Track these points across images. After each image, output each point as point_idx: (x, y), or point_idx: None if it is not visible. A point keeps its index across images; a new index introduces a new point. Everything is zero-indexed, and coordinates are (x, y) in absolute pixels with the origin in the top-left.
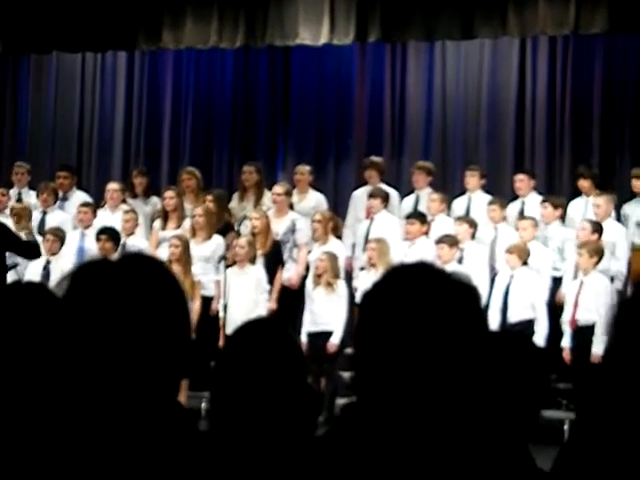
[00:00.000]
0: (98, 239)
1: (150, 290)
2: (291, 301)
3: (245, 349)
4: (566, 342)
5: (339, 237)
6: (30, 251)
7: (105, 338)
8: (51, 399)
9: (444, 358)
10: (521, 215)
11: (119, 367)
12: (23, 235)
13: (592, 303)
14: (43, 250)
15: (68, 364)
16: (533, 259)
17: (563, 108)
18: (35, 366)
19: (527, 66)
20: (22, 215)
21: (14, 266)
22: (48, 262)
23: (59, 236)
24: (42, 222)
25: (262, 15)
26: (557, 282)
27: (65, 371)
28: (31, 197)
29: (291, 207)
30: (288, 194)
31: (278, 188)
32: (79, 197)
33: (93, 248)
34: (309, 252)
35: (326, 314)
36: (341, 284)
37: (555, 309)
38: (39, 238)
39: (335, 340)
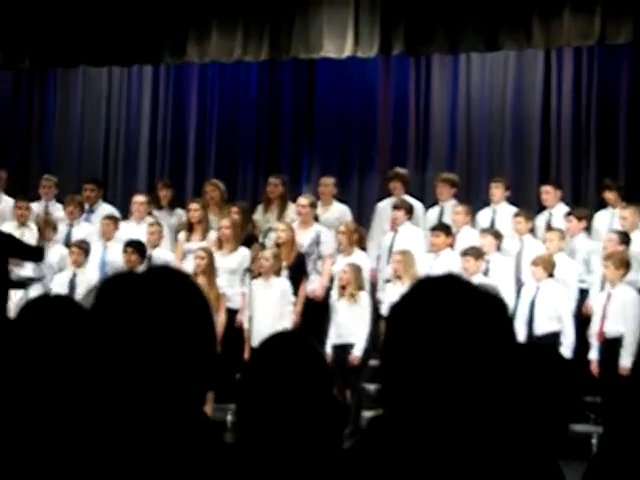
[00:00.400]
0: (124, 251)
1: (176, 303)
2: (316, 313)
3: (271, 362)
4: (594, 355)
5: (364, 249)
6: (34, 254)
7: (131, 351)
8: (76, 410)
9: (473, 371)
10: (549, 226)
11: (145, 380)
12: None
13: (620, 315)
14: (69, 262)
15: (95, 376)
16: (559, 271)
17: (588, 119)
18: (63, 378)
19: (552, 78)
20: (46, 227)
21: (41, 278)
22: (74, 274)
23: (84, 248)
24: (68, 235)
25: (287, 28)
26: (583, 294)
27: (92, 383)
28: (58, 210)
29: (316, 219)
30: (313, 206)
31: (303, 200)
32: (105, 209)
33: (116, 260)
34: (333, 264)
35: (349, 326)
36: (364, 296)
37: (582, 321)
38: (65, 250)
39: (357, 352)
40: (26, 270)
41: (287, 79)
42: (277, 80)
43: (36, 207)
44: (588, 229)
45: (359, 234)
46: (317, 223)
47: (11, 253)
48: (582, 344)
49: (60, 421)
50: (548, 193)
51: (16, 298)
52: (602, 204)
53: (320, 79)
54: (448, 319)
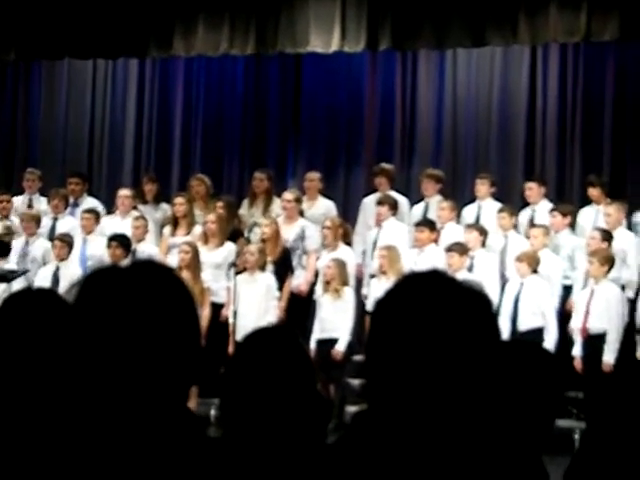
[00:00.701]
0: (109, 245)
1: (160, 297)
2: (300, 308)
3: (254, 356)
4: (577, 351)
5: (349, 244)
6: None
7: (114, 344)
8: (59, 404)
9: (457, 366)
10: (532, 223)
11: (128, 373)
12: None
13: (603, 312)
14: (52, 256)
15: (77, 370)
16: (543, 267)
17: (574, 116)
18: (45, 371)
19: (538, 74)
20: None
21: (24, 272)
22: (57, 268)
23: (67, 242)
24: (53, 228)
25: (273, 22)
26: (567, 290)
27: (74, 377)
28: (42, 203)
29: (301, 214)
30: (298, 201)
31: (288, 195)
32: (90, 203)
33: (96, 254)
34: (318, 259)
35: (333, 321)
36: (348, 291)
37: (565, 317)
38: (49, 244)
39: (341, 347)
40: (9, 264)
41: (273, 73)
42: (263, 74)
43: (20, 200)
44: (572, 225)
45: (344, 229)
46: (302, 218)
47: None
48: (565, 340)
49: (42, 415)
50: (531, 189)
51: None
52: (586, 200)
53: (307, 74)
54: (433, 315)
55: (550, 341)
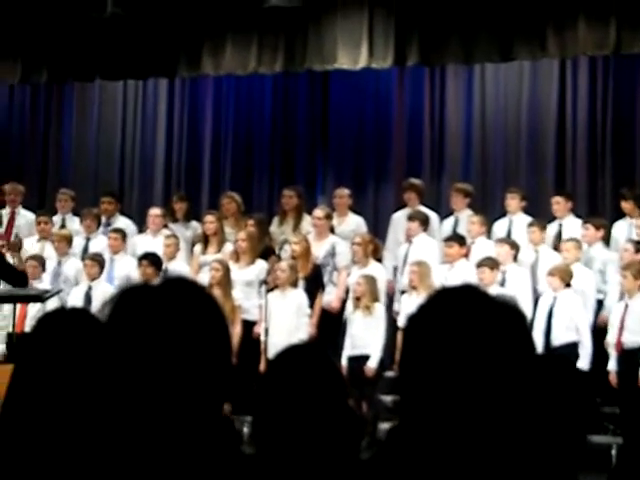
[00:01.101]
0: (139, 264)
1: (191, 314)
2: (331, 325)
3: (286, 373)
4: (612, 365)
5: (379, 260)
6: (18, 279)
7: (147, 363)
8: (95, 423)
9: (493, 382)
10: (558, 237)
11: (161, 392)
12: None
13: (638, 326)
14: (84, 276)
15: (111, 388)
16: (577, 281)
17: (604, 129)
18: (79, 389)
19: (567, 87)
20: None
21: (58, 292)
22: (90, 287)
23: (98, 261)
24: (85, 248)
25: (301, 40)
26: (600, 304)
27: (108, 395)
28: (75, 223)
29: (332, 230)
30: (328, 217)
31: (318, 212)
32: (122, 223)
33: (123, 275)
34: (349, 275)
35: (364, 337)
36: (379, 307)
37: (598, 331)
38: (81, 264)
39: (372, 364)
40: (43, 284)
41: (301, 91)
42: (291, 92)
43: (52, 221)
44: (605, 239)
45: (374, 245)
46: (332, 235)
47: (3, 278)
48: (600, 354)
49: (78, 433)
50: (558, 204)
51: (34, 311)
52: (618, 214)
53: (334, 91)
54: (466, 330)
55: (585, 356)
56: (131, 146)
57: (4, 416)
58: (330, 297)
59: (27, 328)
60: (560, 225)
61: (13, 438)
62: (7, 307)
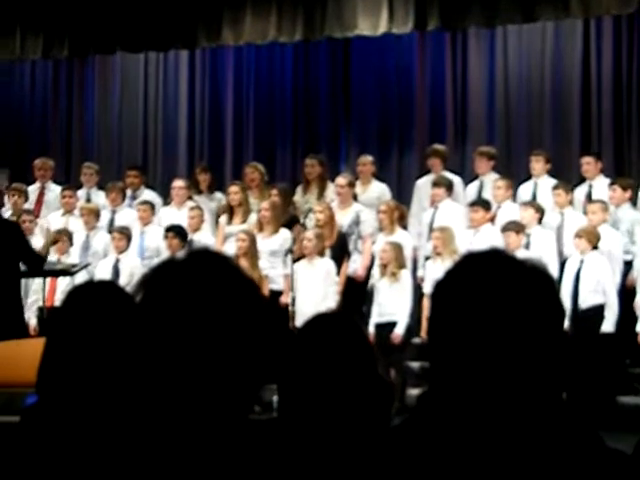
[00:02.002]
0: (165, 237)
1: (221, 285)
2: (357, 293)
3: (316, 341)
4: None
5: (405, 227)
6: (35, 262)
7: (178, 338)
8: (123, 395)
9: (522, 345)
10: (588, 199)
11: (191, 365)
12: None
13: None
14: (112, 249)
15: (141, 362)
16: (604, 243)
17: (630, 88)
18: (109, 362)
19: (591, 48)
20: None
21: (86, 265)
22: (117, 260)
23: (125, 234)
24: (112, 221)
25: (320, 8)
26: (628, 266)
27: (138, 369)
28: (100, 197)
29: (355, 198)
30: (351, 185)
31: (341, 180)
32: (147, 195)
33: (153, 246)
34: (374, 243)
35: (391, 305)
36: (405, 274)
37: (627, 293)
38: (108, 237)
39: (399, 330)
40: (71, 258)
41: (322, 59)
42: (312, 60)
43: (78, 195)
44: (633, 199)
45: (400, 212)
46: (356, 203)
47: (17, 255)
48: (629, 316)
49: (109, 404)
50: (589, 164)
51: (63, 285)
52: None
53: (355, 58)
54: (495, 294)
55: (611, 318)
56: (154, 118)
57: (39, 388)
58: (355, 265)
59: (57, 302)
60: (590, 186)
61: (48, 410)
62: (37, 281)
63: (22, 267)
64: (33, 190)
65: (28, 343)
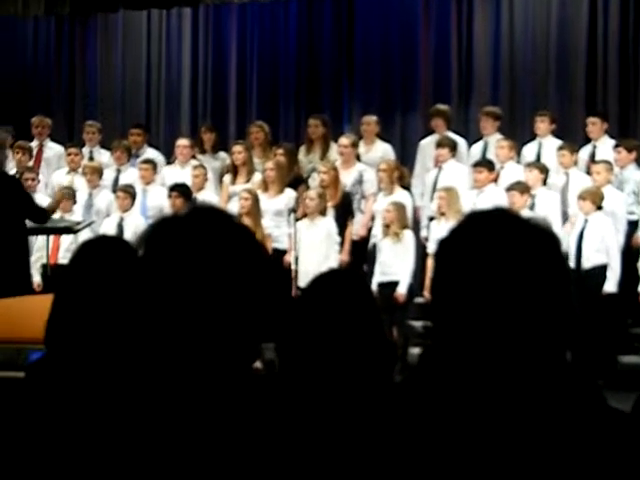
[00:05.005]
0: (169, 195)
1: (224, 241)
2: (358, 252)
3: (325, 298)
4: None
5: (405, 187)
6: (39, 216)
7: (183, 294)
8: (132, 352)
9: (526, 304)
10: (592, 159)
11: (196, 322)
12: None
13: None
14: (115, 207)
15: (148, 320)
16: (608, 203)
17: (636, 49)
18: (119, 318)
19: (598, 7)
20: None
21: (89, 224)
22: (121, 219)
23: (130, 193)
24: (116, 180)
25: None
26: (633, 226)
27: (144, 325)
28: (102, 155)
29: (358, 158)
30: (354, 145)
31: (344, 140)
32: (150, 154)
33: (156, 205)
34: (375, 202)
35: (394, 264)
36: (408, 234)
37: (632, 253)
38: (112, 196)
39: (402, 290)
40: (75, 216)
41: (326, 16)
42: (316, 18)
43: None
44: (638, 160)
45: (400, 172)
46: (360, 162)
47: (24, 212)
48: (631, 276)
49: (116, 359)
50: (594, 124)
51: (66, 243)
52: None
53: (360, 15)
54: (499, 253)
55: (612, 278)
56: (157, 77)
57: (48, 343)
58: (357, 225)
59: (60, 260)
60: (594, 147)
61: (57, 365)
62: (41, 239)
63: (29, 224)
64: (32, 148)
65: (33, 300)
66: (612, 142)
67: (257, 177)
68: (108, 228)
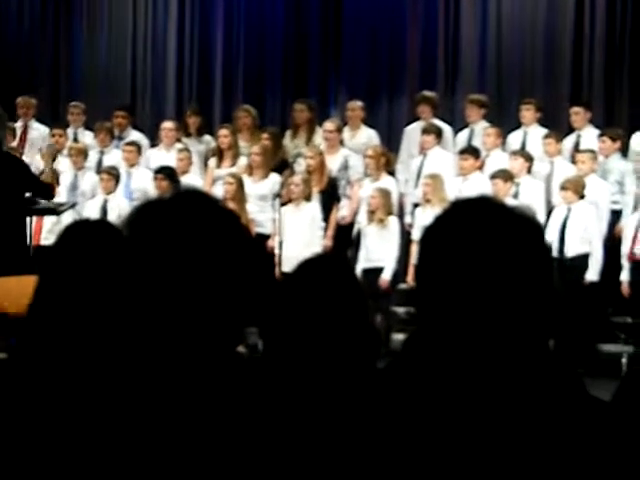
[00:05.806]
0: (155, 178)
1: (208, 225)
2: (343, 237)
3: (309, 284)
4: (625, 276)
5: (391, 173)
6: (44, 192)
7: (168, 276)
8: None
9: (509, 292)
10: (576, 148)
11: (180, 304)
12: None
13: None
14: (100, 189)
15: (132, 302)
16: (591, 193)
17: (623, 38)
18: (104, 300)
19: None
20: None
21: (73, 205)
22: (105, 201)
23: (114, 175)
24: (99, 162)
25: None
26: (616, 216)
27: (129, 307)
28: (87, 137)
29: (341, 143)
30: (339, 130)
31: (329, 125)
32: (134, 136)
33: (140, 187)
34: (361, 188)
35: (379, 250)
36: (393, 220)
37: (614, 243)
38: (96, 177)
39: (386, 276)
40: (60, 197)
41: (314, 1)
42: (304, 1)
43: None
44: (622, 150)
45: (387, 158)
46: (343, 148)
47: (26, 188)
48: (614, 265)
49: (99, 343)
50: (578, 114)
51: (49, 224)
52: (635, 125)
53: (347, 2)
54: (483, 240)
55: (594, 266)
56: (142, 58)
57: (29, 326)
58: (343, 211)
59: (43, 241)
60: (579, 136)
61: (37, 348)
62: None
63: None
64: (16, 128)
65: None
66: (596, 131)
67: (242, 161)
68: (92, 210)
